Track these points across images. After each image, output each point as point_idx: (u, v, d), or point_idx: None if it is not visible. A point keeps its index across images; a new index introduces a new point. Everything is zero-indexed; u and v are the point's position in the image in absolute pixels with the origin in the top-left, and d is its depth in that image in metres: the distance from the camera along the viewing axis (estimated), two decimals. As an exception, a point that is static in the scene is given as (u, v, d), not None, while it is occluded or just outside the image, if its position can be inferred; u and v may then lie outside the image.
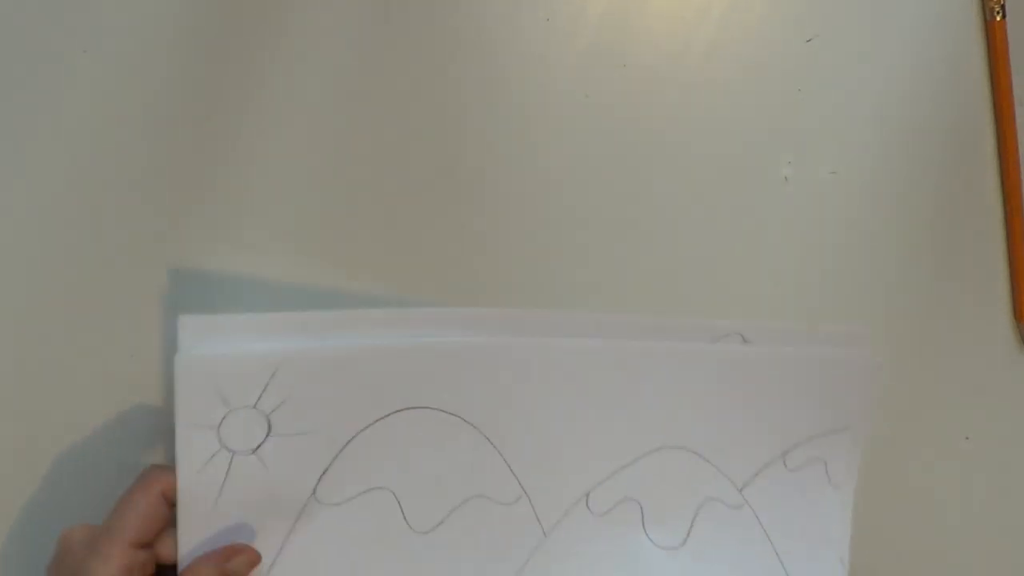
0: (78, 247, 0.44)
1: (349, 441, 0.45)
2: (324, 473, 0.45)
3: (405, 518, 0.45)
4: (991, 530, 0.47)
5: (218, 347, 0.43)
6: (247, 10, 0.43)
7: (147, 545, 0.41)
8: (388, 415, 0.45)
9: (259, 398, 0.43)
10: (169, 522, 0.41)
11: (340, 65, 0.43)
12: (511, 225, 0.45)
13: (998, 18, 0.44)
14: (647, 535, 0.46)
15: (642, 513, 0.46)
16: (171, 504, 0.41)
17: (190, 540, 0.43)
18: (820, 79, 0.44)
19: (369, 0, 0.43)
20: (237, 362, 0.43)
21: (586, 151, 0.45)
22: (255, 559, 0.43)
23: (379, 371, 0.44)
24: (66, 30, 0.43)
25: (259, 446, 0.44)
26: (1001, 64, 0.45)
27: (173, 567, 0.42)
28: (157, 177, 0.43)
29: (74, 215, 0.44)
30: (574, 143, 0.44)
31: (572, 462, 0.46)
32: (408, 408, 0.45)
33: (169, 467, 0.41)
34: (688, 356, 0.46)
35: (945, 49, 0.45)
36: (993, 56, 0.44)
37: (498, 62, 0.43)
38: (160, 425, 0.45)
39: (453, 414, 0.45)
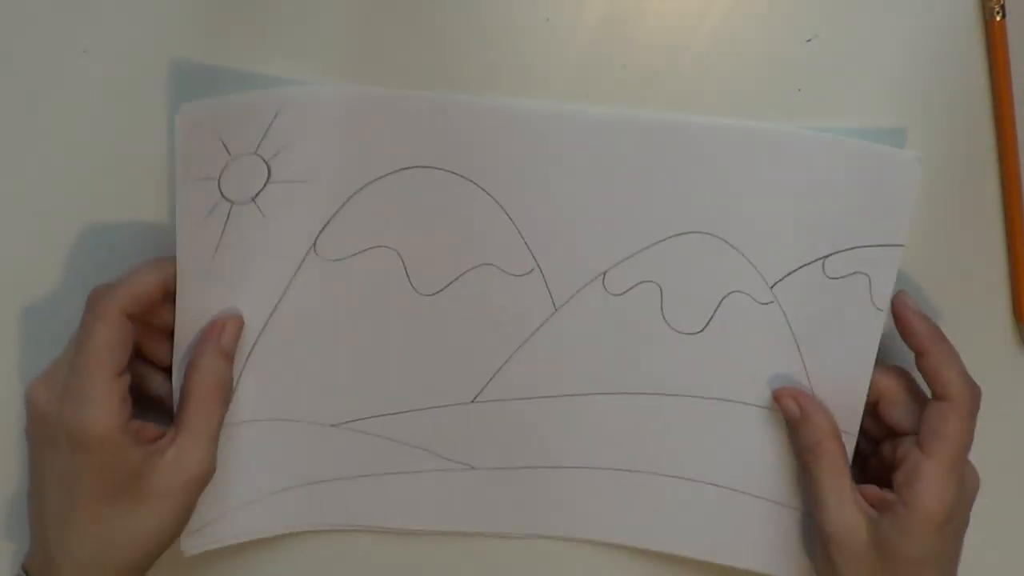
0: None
1: (353, 195, 0.43)
2: (325, 227, 0.43)
3: (409, 279, 0.44)
4: (991, 530, 0.47)
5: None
6: None
7: (124, 372, 0.40)
8: (395, 171, 0.43)
9: (260, 143, 0.41)
10: (134, 335, 0.40)
11: (336, 62, 0.43)
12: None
13: (998, 18, 0.44)
14: (664, 319, 0.45)
15: (661, 296, 0.45)
16: (137, 314, 0.40)
17: (188, 298, 0.42)
18: (820, 79, 0.44)
19: (369, 1, 0.43)
20: (238, 105, 0.41)
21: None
22: (239, 323, 0.43)
23: (388, 123, 0.42)
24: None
25: (258, 193, 0.42)
26: (1001, 64, 0.45)
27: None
28: None
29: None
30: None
31: (590, 239, 0.44)
32: (417, 167, 0.43)
33: (113, 284, 0.40)
34: (724, 133, 0.43)
35: (945, 49, 0.45)
36: (993, 56, 0.45)
37: (498, 62, 0.43)
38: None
39: (465, 177, 0.43)
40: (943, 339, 0.44)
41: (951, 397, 0.42)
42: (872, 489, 0.44)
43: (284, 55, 0.43)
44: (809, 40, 0.44)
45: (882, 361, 0.45)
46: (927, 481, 0.42)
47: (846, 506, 0.43)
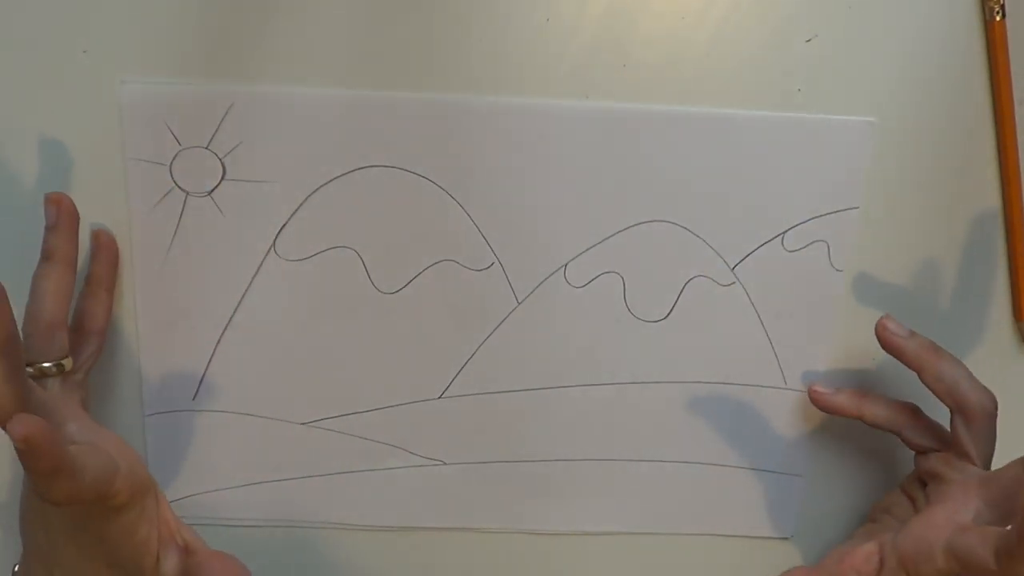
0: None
1: (309, 195, 0.44)
2: (283, 227, 0.45)
3: (370, 277, 0.45)
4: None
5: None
6: None
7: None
8: (351, 171, 0.44)
9: (212, 138, 0.43)
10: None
11: (335, 63, 0.43)
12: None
13: (998, 18, 0.44)
14: (628, 308, 0.47)
15: (624, 286, 0.46)
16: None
17: (148, 291, 0.44)
18: (820, 79, 0.44)
19: (369, 1, 0.43)
20: (187, 97, 0.43)
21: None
22: None
23: (342, 123, 0.43)
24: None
25: (214, 189, 0.44)
26: (1001, 64, 0.45)
27: None
28: None
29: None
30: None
31: (549, 232, 0.46)
32: (372, 166, 0.44)
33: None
34: (677, 121, 0.45)
35: (945, 49, 0.45)
36: (993, 56, 0.45)
37: (498, 62, 0.43)
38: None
39: (420, 175, 0.44)
40: (937, 352, 0.44)
41: (964, 407, 0.43)
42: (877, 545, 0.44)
43: (284, 59, 0.43)
44: (809, 40, 0.44)
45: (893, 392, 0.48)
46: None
47: None
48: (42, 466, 0.33)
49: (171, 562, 0.41)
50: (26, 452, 0.32)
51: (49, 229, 0.42)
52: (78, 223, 0.42)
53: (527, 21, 0.44)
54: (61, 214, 0.42)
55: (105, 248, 0.44)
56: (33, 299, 0.41)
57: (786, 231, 0.46)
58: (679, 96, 0.45)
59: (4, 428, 0.35)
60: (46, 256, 0.41)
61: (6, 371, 0.34)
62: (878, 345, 0.48)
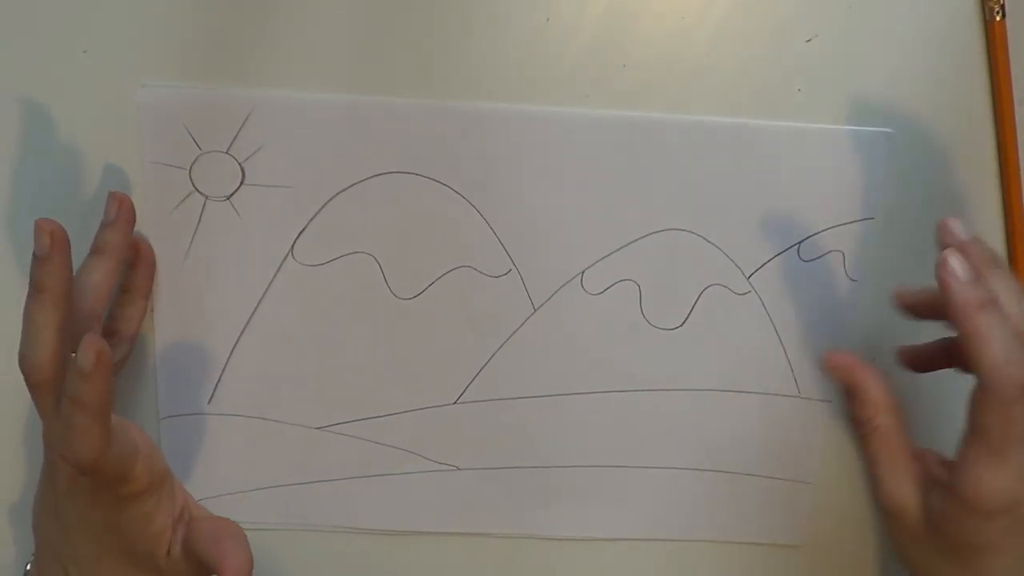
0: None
1: (329, 200, 0.44)
2: (302, 232, 0.45)
3: (387, 283, 0.46)
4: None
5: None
6: None
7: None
8: (370, 177, 0.44)
9: (232, 142, 0.43)
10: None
11: (338, 63, 0.43)
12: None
13: (998, 18, 0.44)
14: (644, 315, 0.47)
15: (640, 294, 0.46)
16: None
17: (165, 294, 0.45)
18: (820, 79, 0.45)
19: (368, 4, 0.43)
20: (207, 101, 0.43)
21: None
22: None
23: (361, 129, 0.44)
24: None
25: (233, 193, 0.44)
26: (1001, 64, 0.45)
27: None
28: None
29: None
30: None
31: (566, 239, 0.46)
32: (391, 172, 0.44)
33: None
34: (696, 130, 0.45)
35: (945, 49, 0.45)
36: (993, 56, 0.45)
37: (498, 62, 0.43)
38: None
39: (439, 181, 0.45)
40: (978, 311, 0.38)
41: (984, 383, 0.39)
42: (934, 456, 0.45)
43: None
44: (809, 40, 0.45)
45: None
46: (966, 468, 0.40)
47: (898, 483, 0.44)
48: (98, 394, 0.33)
49: (179, 542, 0.40)
50: (91, 375, 0.33)
51: (106, 225, 0.42)
52: (134, 225, 0.43)
53: (527, 21, 0.44)
54: (122, 211, 0.42)
55: (145, 257, 0.44)
56: (75, 289, 0.40)
57: (802, 241, 0.47)
58: (679, 96, 0.45)
59: (39, 387, 0.35)
60: (97, 250, 0.42)
61: (55, 328, 0.34)
62: (892, 356, 0.47)
